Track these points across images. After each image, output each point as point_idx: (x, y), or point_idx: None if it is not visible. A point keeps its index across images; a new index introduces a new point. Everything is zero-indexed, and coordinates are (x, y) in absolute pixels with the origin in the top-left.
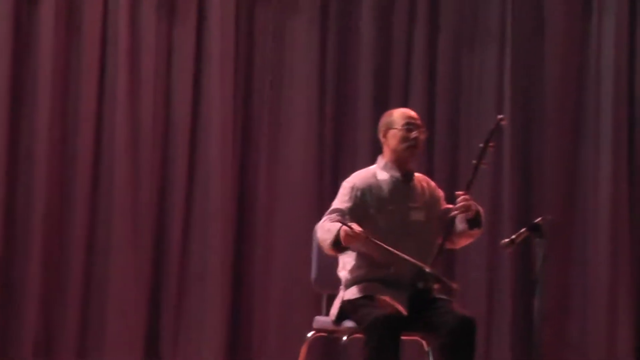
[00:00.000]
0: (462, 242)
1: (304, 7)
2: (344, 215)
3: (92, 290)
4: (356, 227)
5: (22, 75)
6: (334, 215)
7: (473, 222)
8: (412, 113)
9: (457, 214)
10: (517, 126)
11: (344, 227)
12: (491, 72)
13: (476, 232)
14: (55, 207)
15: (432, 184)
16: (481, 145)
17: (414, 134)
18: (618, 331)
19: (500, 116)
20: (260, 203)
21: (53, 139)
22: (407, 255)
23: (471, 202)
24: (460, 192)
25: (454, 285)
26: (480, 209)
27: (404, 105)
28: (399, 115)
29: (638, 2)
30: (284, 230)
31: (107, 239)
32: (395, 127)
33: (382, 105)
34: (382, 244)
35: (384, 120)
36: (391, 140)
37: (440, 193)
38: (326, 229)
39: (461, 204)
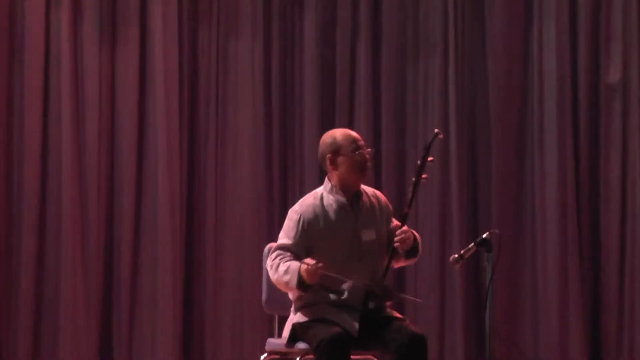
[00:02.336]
0: (400, 264)
1: (247, 27)
2: (292, 253)
3: (43, 313)
4: (310, 261)
5: None
6: (282, 253)
7: (410, 251)
8: (354, 134)
9: (397, 247)
10: (463, 138)
11: (303, 267)
12: (436, 84)
13: (411, 259)
14: (2, 231)
15: (383, 198)
16: (419, 161)
17: (363, 157)
18: (569, 341)
19: (436, 130)
20: (209, 223)
21: None
22: (359, 277)
23: (409, 235)
24: (397, 224)
25: (413, 298)
26: (417, 235)
27: (350, 119)
28: (344, 139)
29: (578, 10)
30: (234, 250)
31: (56, 264)
32: (344, 153)
33: (328, 120)
34: (337, 276)
35: (326, 146)
36: (342, 167)
37: (390, 208)
38: (282, 271)
39: (399, 237)
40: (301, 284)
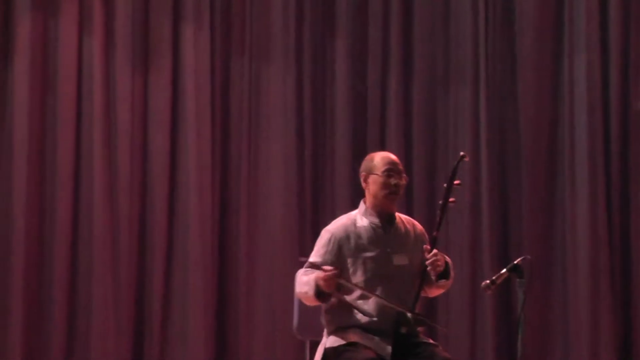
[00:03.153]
0: (434, 292)
1: (279, 55)
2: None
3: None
4: (327, 268)
5: None
6: (308, 270)
7: (441, 274)
8: (393, 158)
9: (430, 270)
10: (493, 165)
11: (317, 274)
12: (466, 112)
13: (444, 283)
14: (35, 262)
15: (419, 227)
16: (445, 184)
17: (393, 180)
18: None
19: (462, 153)
20: (242, 251)
21: (31, 197)
22: (388, 299)
23: (439, 258)
24: (427, 247)
25: (440, 328)
26: (449, 260)
27: (381, 148)
28: (379, 160)
29: (609, 39)
30: (266, 278)
31: (88, 292)
32: (376, 172)
33: (360, 148)
34: (359, 287)
35: (365, 164)
36: (372, 185)
37: (426, 237)
38: (303, 282)
39: (430, 260)
40: (319, 293)
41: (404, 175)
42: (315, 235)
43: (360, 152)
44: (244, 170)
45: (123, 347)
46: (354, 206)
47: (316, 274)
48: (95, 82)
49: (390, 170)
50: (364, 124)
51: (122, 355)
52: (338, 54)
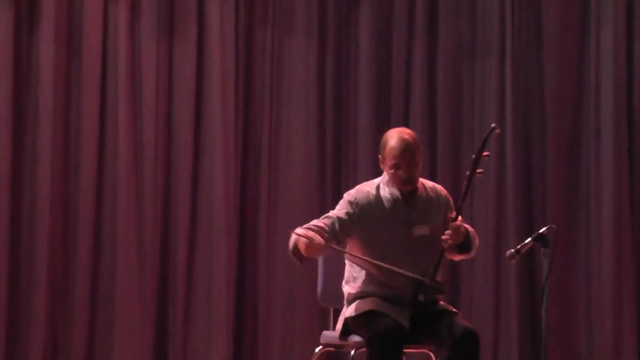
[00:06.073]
0: (457, 258)
1: (302, 27)
2: (333, 222)
3: (98, 311)
4: (318, 239)
5: (24, 100)
6: (320, 219)
7: (462, 246)
8: (401, 149)
9: (448, 243)
10: (519, 137)
11: (303, 239)
12: (492, 85)
13: (466, 254)
14: (59, 229)
15: (443, 192)
16: (473, 155)
17: (403, 173)
18: (623, 340)
19: (493, 125)
20: (263, 221)
21: (55, 164)
22: (405, 269)
23: (458, 230)
24: (451, 216)
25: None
26: (471, 229)
27: (405, 120)
28: (389, 151)
29: (636, 13)
30: (286, 247)
31: (112, 261)
32: (387, 162)
33: (383, 121)
34: (364, 257)
35: (381, 145)
36: (386, 171)
37: (451, 202)
38: (294, 233)
39: (448, 232)
40: (295, 251)
41: (417, 160)
42: (335, 201)
43: (382, 125)
44: (265, 136)
45: (147, 314)
46: (375, 173)
47: (303, 232)
48: (120, 50)
49: (398, 165)
50: (387, 96)
51: (145, 322)
52: (362, 22)
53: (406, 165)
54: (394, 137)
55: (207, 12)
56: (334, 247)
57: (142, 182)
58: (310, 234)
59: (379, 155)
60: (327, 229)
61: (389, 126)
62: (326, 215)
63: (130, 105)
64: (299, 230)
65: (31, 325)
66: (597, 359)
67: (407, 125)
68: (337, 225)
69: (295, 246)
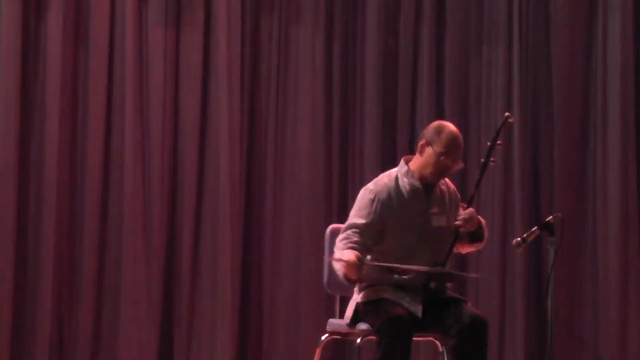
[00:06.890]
0: (466, 249)
1: (309, 14)
2: (361, 233)
3: (104, 299)
4: (350, 257)
5: (31, 87)
6: (349, 235)
7: (473, 235)
8: (458, 141)
9: (459, 228)
10: (526, 125)
11: (343, 264)
12: (499, 72)
13: (477, 244)
14: (66, 216)
15: (452, 186)
16: (489, 143)
17: (449, 162)
18: (629, 327)
19: (507, 114)
20: (268, 209)
21: (62, 150)
22: (422, 258)
23: (472, 216)
24: (464, 204)
25: (472, 275)
26: (483, 221)
27: (412, 109)
28: (445, 137)
29: None
30: (292, 234)
31: (118, 248)
32: (435, 148)
33: (390, 110)
34: (386, 265)
35: (429, 133)
36: (425, 157)
37: (459, 196)
38: (337, 256)
39: (462, 217)
40: (346, 278)
41: (460, 161)
42: (342, 195)
43: (389, 112)
44: (271, 125)
45: (153, 306)
46: (382, 168)
47: (349, 256)
48: (127, 37)
49: (449, 154)
50: (394, 83)
51: (151, 314)
52: (369, 10)
53: (454, 157)
54: (452, 128)
55: (214, 0)
56: (369, 263)
57: (148, 170)
58: (345, 257)
59: (422, 139)
60: (358, 247)
61: (395, 114)
62: (351, 224)
63: (137, 92)
64: (336, 254)
65: (37, 313)
66: (603, 348)
67: (414, 113)
68: (367, 238)
69: (345, 275)
